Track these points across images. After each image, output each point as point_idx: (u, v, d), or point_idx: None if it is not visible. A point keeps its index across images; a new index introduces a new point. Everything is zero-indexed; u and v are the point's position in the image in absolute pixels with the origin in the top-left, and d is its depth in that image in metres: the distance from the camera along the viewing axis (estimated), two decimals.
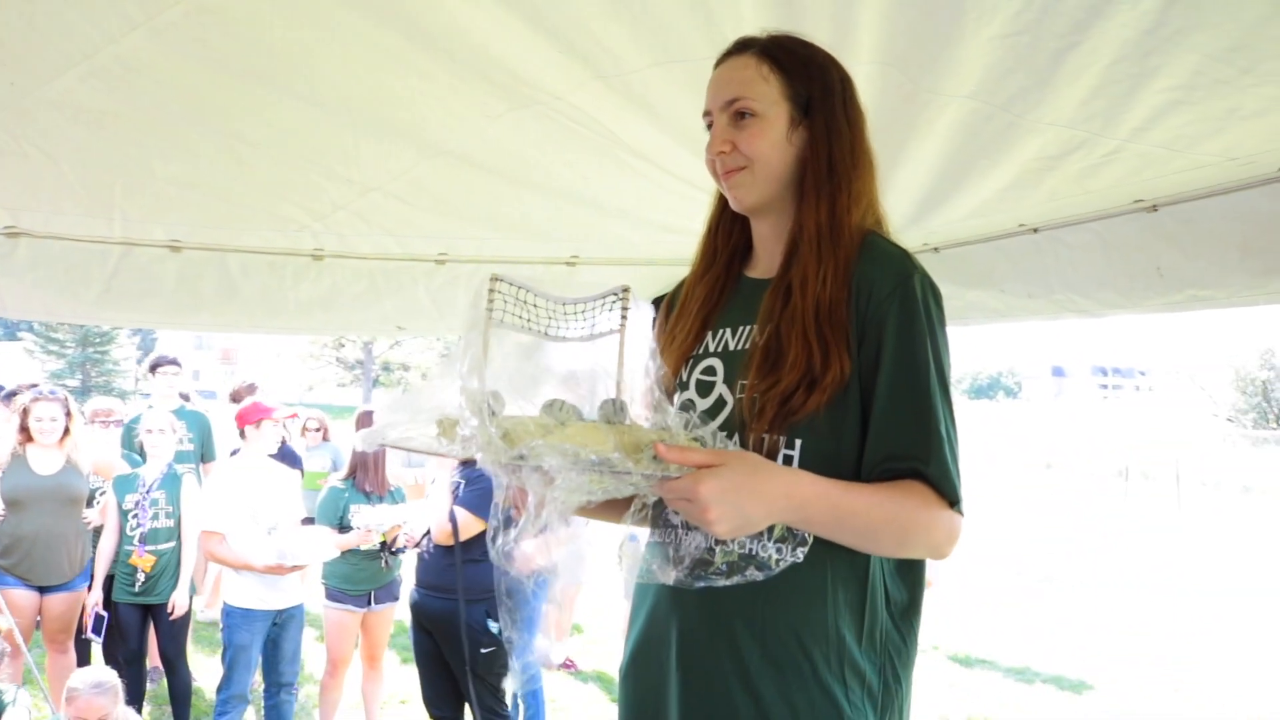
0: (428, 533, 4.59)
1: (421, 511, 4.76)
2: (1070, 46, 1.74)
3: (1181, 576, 12.08)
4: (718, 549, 1.43)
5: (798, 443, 1.41)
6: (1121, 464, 26.28)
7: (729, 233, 1.65)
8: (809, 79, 1.52)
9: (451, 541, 4.45)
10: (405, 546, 4.76)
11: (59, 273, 2.82)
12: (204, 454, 6.69)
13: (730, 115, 1.51)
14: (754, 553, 1.42)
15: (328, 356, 49.67)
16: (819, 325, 1.40)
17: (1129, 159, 2.07)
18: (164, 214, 2.74)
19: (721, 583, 1.39)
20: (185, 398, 7.24)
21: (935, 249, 3.00)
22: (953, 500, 1.39)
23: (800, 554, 1.40)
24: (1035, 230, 2.59)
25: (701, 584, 1.39)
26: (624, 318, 1.34)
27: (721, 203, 1.65)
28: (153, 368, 6.96)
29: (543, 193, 2.81)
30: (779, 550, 1.40)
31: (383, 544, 4.88)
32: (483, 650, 4.44)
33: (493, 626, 4.47)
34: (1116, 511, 19.06)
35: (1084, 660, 8.00)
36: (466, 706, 4.54)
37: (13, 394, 6.04)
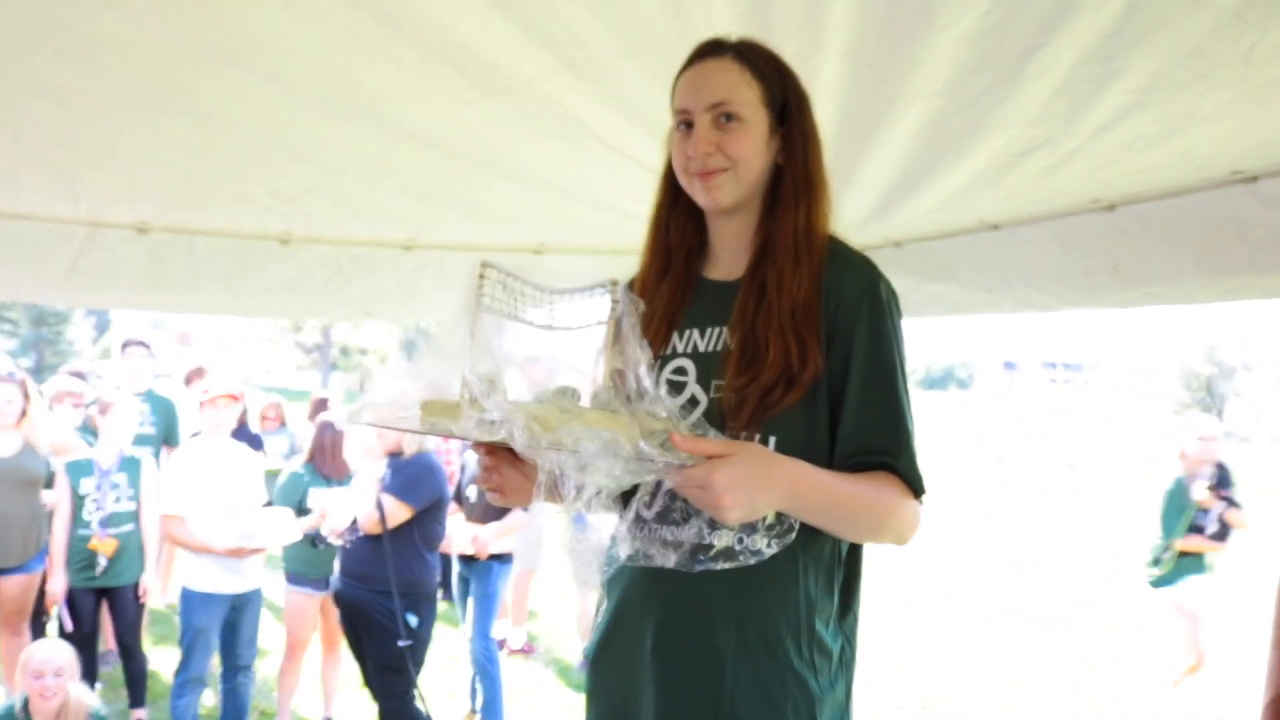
0: (354, 523, 4.58)
1: (346, 501, 4.74)
2: (1035, 48, 1.79)
3: (1127, 566, 12.33)
4: (715, 535, 1.47)
5: (772, 438, 1.47)
6: (1071, 457, 26.73)
7: (681, 231, 1.68)
8: (784, 87, 1.57)
9: (380, 530, 4.45)
10: (329, 538, 4.73)
11: (22, 251, 2.78)
12: (167, 438, 6.59)
13: (714, 117, 1.54)
14: (747, 539, 1.47)
15: (286, 340, 49.10)
16: (795, 324, 1.47)
17: (1089, 158, 2.12)
18: (130, 195, 2.72)
19: (719, 567, 1.45)
20: None
21: (897, 244, 3.05)
22: (918, 491, 1.48)
23: (787, 541, 1.47)
24: (996, 227, 2.65)
25: (700, 568, 1.45)
26: (611, 309, 1.37)
27: (670, 199, 1.68)
28: (122, 348, 6.86)
29: (511, 179, 2.82)
30: (768, 538, 1.47)
31: (314, 535, 4.86)
32: (399, 643, 4.44)
33: (411, 620, 4.48)
34: (1066, 503, 19.40)
35: (1039, 647, 8.16)
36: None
37: None
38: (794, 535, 1.47)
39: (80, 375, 7.14)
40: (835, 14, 1.92)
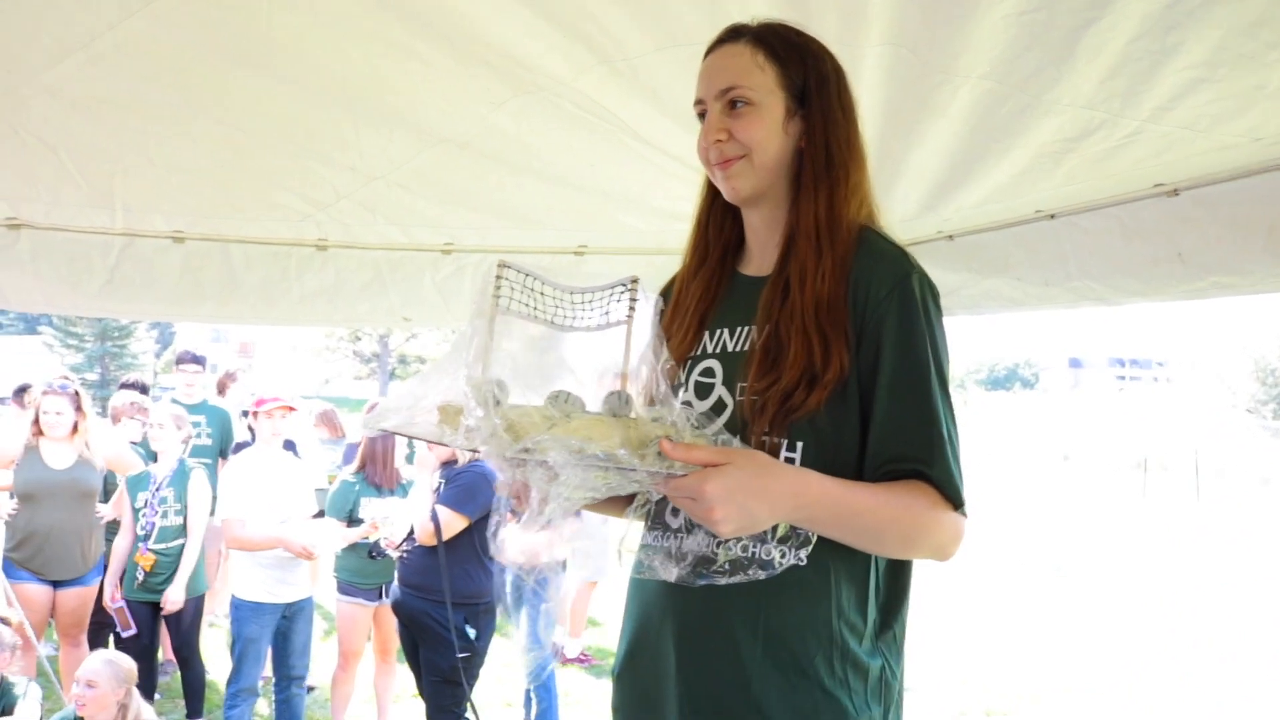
0: (410, 534, 4.55)
1: (400, 511, 4.72)
2: (1087, 23, 1.68)
3: (1198, 569, 11.97)
4: (720, 547, 1.39)
5: (799, 444, 1.38)
6: (1139, 456, 26.09)
7: (720, 226, 1.61)
8: (804, 68, 1.49)
9: (434, 541, 4.41)
10: (386, 550, 4.72)
11: (61, 264, 2.79)
12: (223, 449, 6.70)
13: (725, 104, 1.47)
14: (757, 552, 1.38)
15: (344, 349, 49.77)
16: (818, 320, 1.38)
17: (1149, 140, 2.00)
18: (165, 204, 2.71)
19: (724, 581, 1.35)
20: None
21: (950, 236, 2.93)
22: (956, 502, 1.36)
23: (803, 554, 1.37)
24: (1052, 216, 2.52)
25: (703, 581, 1.36)
26: (632, 309, 1.30)
27: (710, 195, 1.61)
28: (176, 362, 6.99)
29: (548, 181, 2.77)
30: (782, 550, 1.37)
31: (370, 546, 4.85)
32: (459, 655, 4.39)
33: (470, 632, 4.43)
34: (1134, 504, 18.92)
35: (1097, 655, 7.93)
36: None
37: (24, 389, 6.04)
38: (810, 547, 1.37)
39: (141, 388, 7.24)
40: None
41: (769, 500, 1.24)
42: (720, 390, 1.46)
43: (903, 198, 2.69)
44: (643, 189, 2.76)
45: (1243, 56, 1.66)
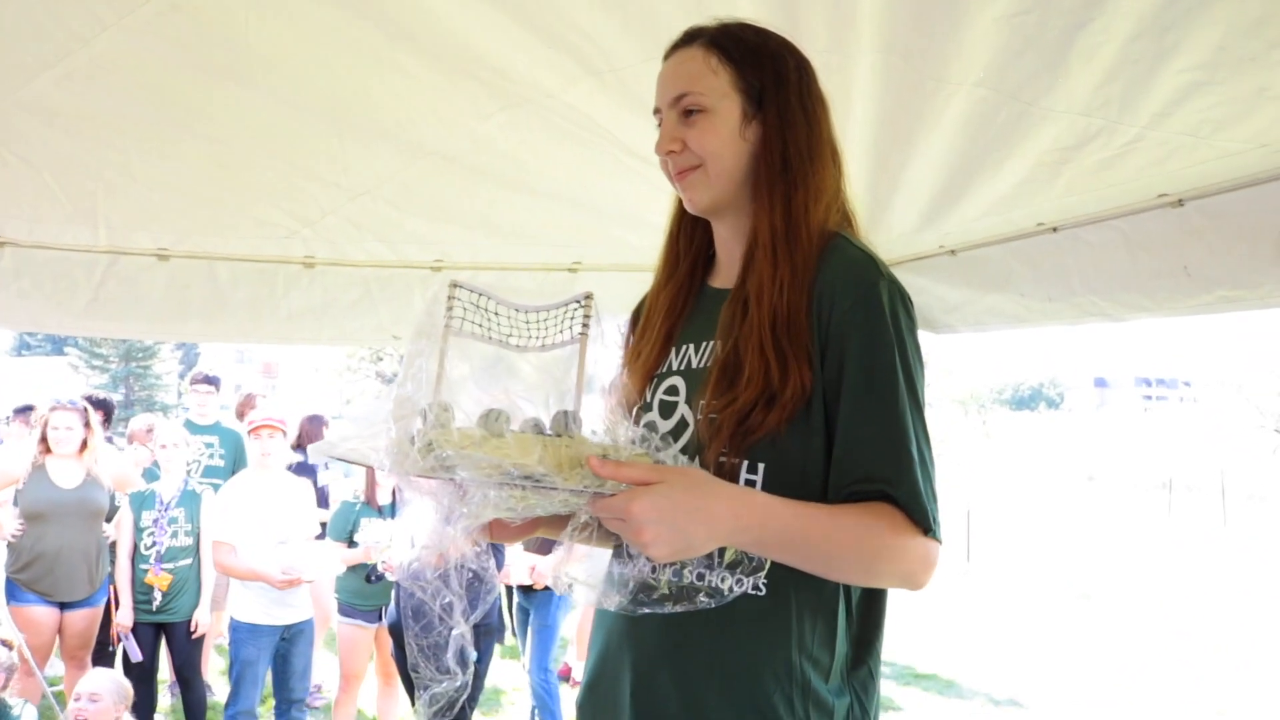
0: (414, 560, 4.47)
1: (398, 534, 4.65)
2: (1080, 25, 1.61)
3: (1225, 592, 11.74)
4: (663, 573, 1.30)
5: (760, 466, 1.29)
6: (1165, 476, 25.74)
7: (690, 238, 1.53)
8: (760, 68, 1.40)
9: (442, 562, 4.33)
10: (384, 574, 4.65)
11: (45, 282, 2.76)
12: (235, 470, 6.67)
13: (679, 112, 1.39)
14: (704, 578, 1.29)
15: (366, 369, 49.93)
16: (775, 337, 1.29)
17: (1150, 148, 1.92)
18: (149, 221, 2.68)
19: (668, 609, 1.25)
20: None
21: (951, 251, 2.85)
22: (925, 526, 1.25)
23: (755, 581, 1.28)
24: (1055, 229, 2.44)
25: (645, 610, 1.26)
26: (585, 327, 1.24)
27: (681, 206, 1.53)
28: (190, 384, 6.99)
29: (539, 196, 2.72)
30: (732, 577, 1.28)
31: (369, 569, 4.78)
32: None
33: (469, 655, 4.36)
34: (1160, 525, 18.64)
35: (1124, 680, 7.75)
36: None
37: (28, 409, 6.04)
38: (763, 574, 1.27)
39: (161, 409, 7.25)
40: (865, 4, 1.78)
41: (705, 521, 1.15)
42: (683, 409, 1.39)
43: (902, 211, 2.62)
44: (636, 203, 2.70)
45: (1244, 58, 1.57)
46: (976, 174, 2.28)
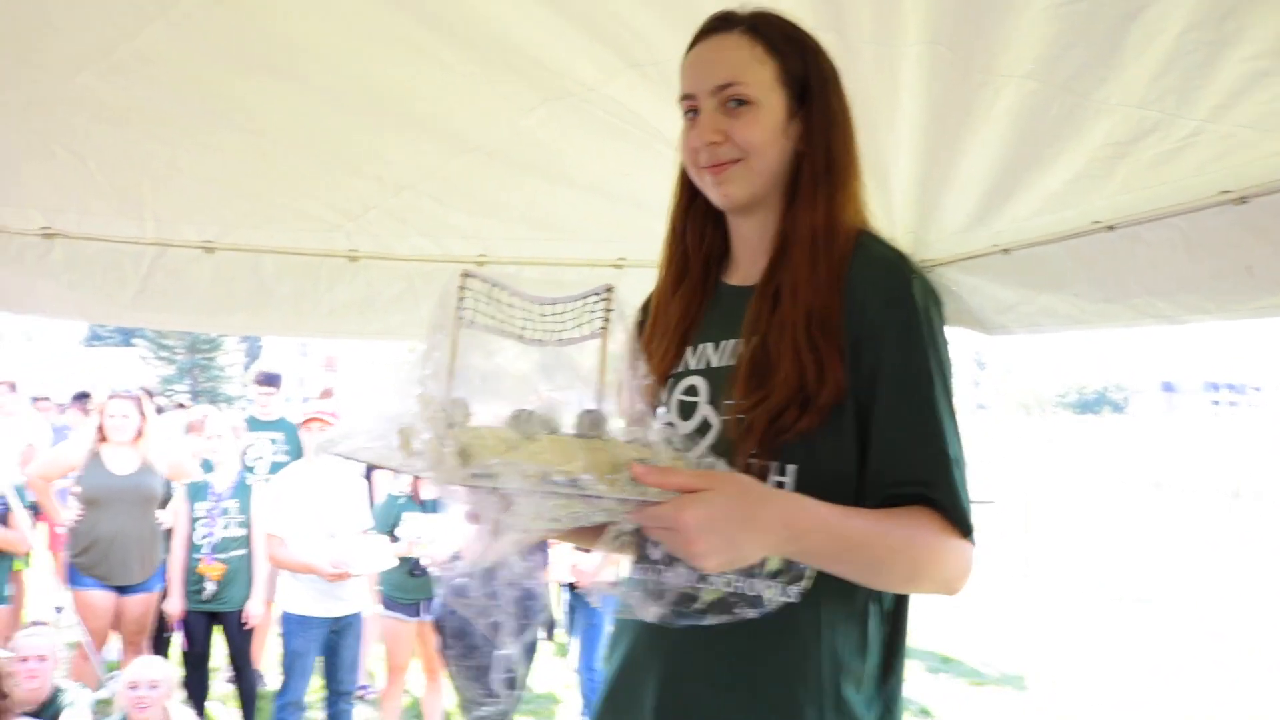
0: (457, 554, 4.49)
1: (443, 530, 4.66)
2: (1134, 13, 1.54)
3: None
4: (704, 583, 1.26)
5: (790, 468, 1.26)
6: (1234, 484, 25.04)
7: (700, 235, 1.48)
8: (804, 64, 1.36)
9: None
10: (427, 568, 4.67)
11: (95, 274, 2.79)
12: None
13: (721, 101, 1.34)
14: (744, 588, 1.25)
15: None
16: (810, 335, 1.25)
17: (1210, 143, 1.83)
18: (195, 214, 2.70)
19: (710, 621, 1.22)
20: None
21: (1005, 250, 2.77)
22: (964, 529, 1.21)
23: (796, 591, 1.23)
24: (1111, 228, 2.35)
25: (686, 622, 1.22)
26: (606, 320, 1.19)
27: (685, 201, 1.49)
28: (255, 381, 7.13)
29: (582, 190, 2.70)
30: (774, 586, 1.24)
31: (412, 563, 4.81)
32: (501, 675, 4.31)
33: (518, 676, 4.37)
34: (1227, 533, 18.13)
35: (1189, 693, 7.54)
36: None
37: (84, 396, 6.17)
38: (805, 582, 1.22)
39: (225, 400, 7.40)
40: None
41: (757, 530, 1.10)
42: (705, 409, 1.34)
43: (953, 208, 2.55)
44: None
45: None
46: (1028, 170, 2.21)
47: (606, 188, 2.68)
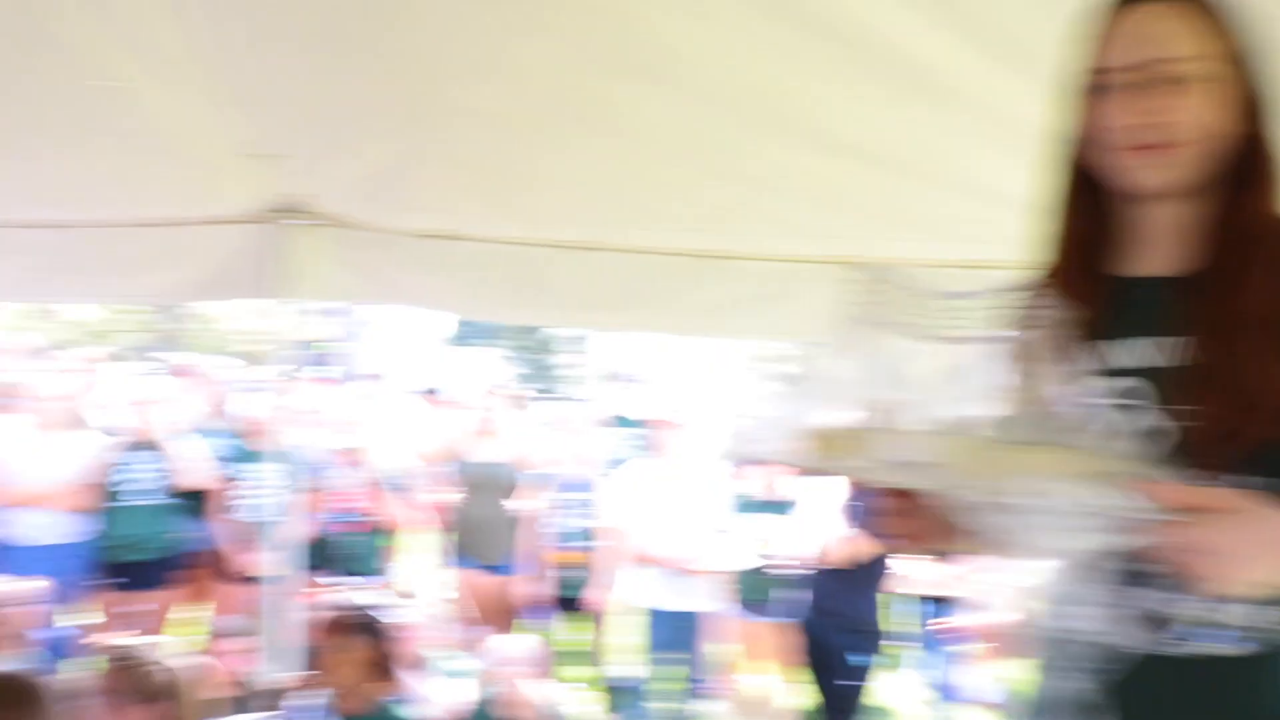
0: (812, 554, 4.46)
1: (790, 531, 4.63)
2: None
3: None
4: (1179, 604, 1.14)
5: (1258, 481, 1.10)
6: None
7: (1089, 217, 1.31)
8: (1240, 37, 1.20)
9: (848, 564, 4.29)
10: (773, 568, 4.67)
11: (460, 269, 3.03)
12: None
13: (1153, 78, 1.18)
14: (1244, 616, 1.13)
15: (763, 369, 51.12)
16: (1274, 336, 1.13)
17: None
18: (557, 214, 2.85)
19: (1219, 649, 1.13)
20: None
21: None
22: None
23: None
24: None
25: (1183, 647, 1.14)
26: (1032, 317, 1.12)
27: (1078, 182, 1.31)
28: (606, 379, 7.57)
29: (951, 190, 2.56)
30: (1272, 614, 1.12)
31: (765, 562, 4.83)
32: (835, 681, 4.31)
33: (850, 659, 4.24)
34: None
35: None
36: None
37: (432, 390, 6.80)
38: None
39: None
40: None
41: (1276, 555, 1.04)
42: (1153, 415, 1.19)
43: None
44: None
45: None
46: None
47: (979, 188, 2.54)
